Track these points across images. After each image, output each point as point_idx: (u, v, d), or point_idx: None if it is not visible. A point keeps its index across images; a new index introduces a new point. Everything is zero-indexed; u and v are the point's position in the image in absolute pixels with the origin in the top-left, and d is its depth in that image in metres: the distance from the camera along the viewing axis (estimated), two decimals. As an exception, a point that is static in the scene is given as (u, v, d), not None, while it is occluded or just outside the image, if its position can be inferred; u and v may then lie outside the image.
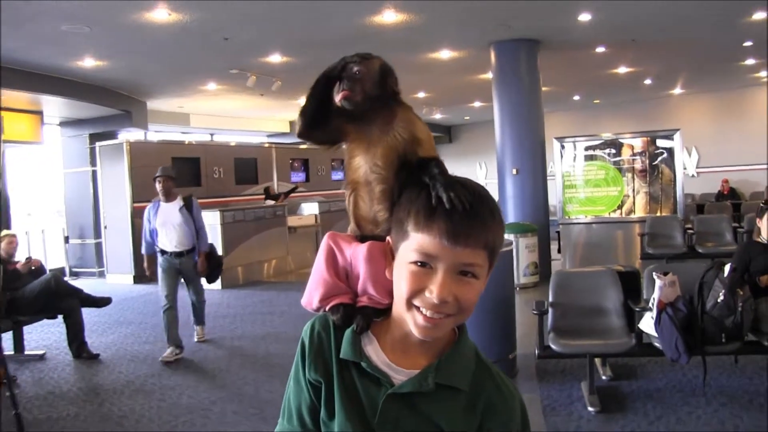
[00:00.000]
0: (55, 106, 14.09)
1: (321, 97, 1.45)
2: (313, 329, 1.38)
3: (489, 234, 1.25)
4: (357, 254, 1.39)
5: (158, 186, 7.94)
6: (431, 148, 1.42)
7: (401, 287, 1.26)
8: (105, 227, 14.46)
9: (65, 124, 16.02)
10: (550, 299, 6.02)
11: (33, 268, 8.01)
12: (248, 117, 21.51)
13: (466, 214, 1.22)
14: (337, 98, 1.40)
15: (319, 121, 1.47)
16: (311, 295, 1.43)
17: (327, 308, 1.40)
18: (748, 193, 19.33)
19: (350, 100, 1.39)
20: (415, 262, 1.23)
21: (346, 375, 1.32)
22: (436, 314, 1.23)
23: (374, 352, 1.33)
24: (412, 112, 1.45)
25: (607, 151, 11.81)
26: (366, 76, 1.40)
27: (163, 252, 7.90)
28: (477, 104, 20.99)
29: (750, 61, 15.68)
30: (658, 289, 5.32)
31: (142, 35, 10.00)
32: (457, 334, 1.38)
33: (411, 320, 1.26)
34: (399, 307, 1.29)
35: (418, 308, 1.24)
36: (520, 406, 1.38)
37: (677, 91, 20.71)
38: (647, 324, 5.45)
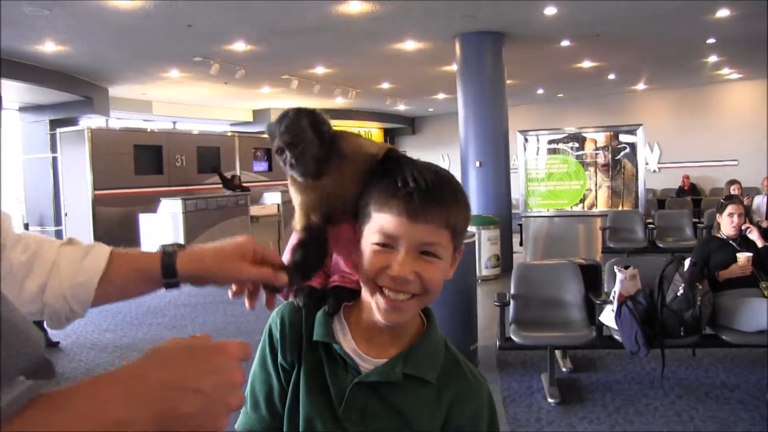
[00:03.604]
0: (14, 91, 13.85)
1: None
2: (282, 316, 1.36)
3: (451, 213, 1.23)
4: (330, 235, 1.37)
5: None
6: (383, 149, 1.36)
7: (364, 267, 1.25)
8: (65, 215, 14.21)
9: (25, 109, 15.81)
10: (512, 291, 6.04)
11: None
12: (211, 105, 21.34)
13: (428, 193, 1.20)
14: (297, 177, 1.32)
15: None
16: None
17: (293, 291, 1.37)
18: (708, 189, 19.59)
19: (306, 175, 1.30)
20: (378, 243, 1.22)
21: (314, 359, 1.30)
22: (399, 295, 1.22)
23: (344, 338, 1.32)
24: (351, 137, 1.37)
25: (570, 145, 11.87)
26: (306, 144, 1.28)
27: None
28: (441, 96, 20.97)
29: (713, 58, 15.86)
30: (619, 282, 5.37)
31: (104, 20, 9.87)
32: (425, 325, 1.37)
33: (375, 305, 1.25)
34: (366, 291, 1.28)
35: (381, 291, 1.23)
36: (488, 398, 1.38)
37: (640, 86, 20.87)
38: (608, 317, 5.50)
